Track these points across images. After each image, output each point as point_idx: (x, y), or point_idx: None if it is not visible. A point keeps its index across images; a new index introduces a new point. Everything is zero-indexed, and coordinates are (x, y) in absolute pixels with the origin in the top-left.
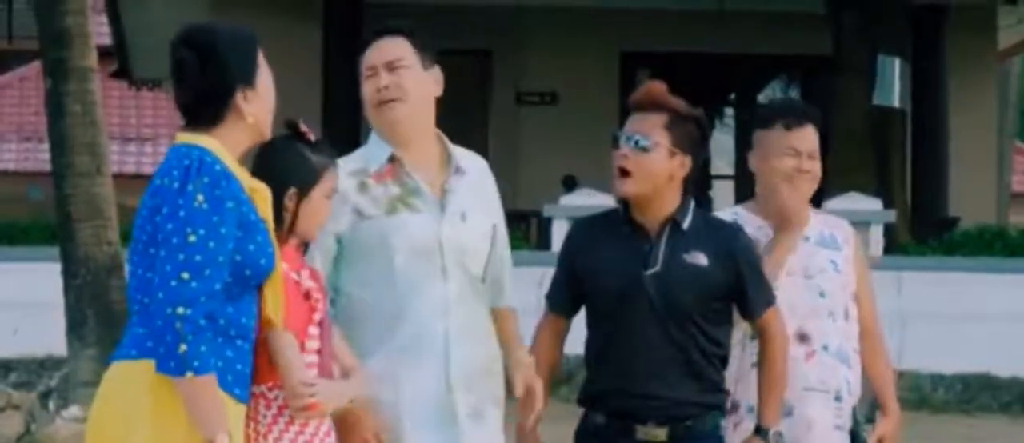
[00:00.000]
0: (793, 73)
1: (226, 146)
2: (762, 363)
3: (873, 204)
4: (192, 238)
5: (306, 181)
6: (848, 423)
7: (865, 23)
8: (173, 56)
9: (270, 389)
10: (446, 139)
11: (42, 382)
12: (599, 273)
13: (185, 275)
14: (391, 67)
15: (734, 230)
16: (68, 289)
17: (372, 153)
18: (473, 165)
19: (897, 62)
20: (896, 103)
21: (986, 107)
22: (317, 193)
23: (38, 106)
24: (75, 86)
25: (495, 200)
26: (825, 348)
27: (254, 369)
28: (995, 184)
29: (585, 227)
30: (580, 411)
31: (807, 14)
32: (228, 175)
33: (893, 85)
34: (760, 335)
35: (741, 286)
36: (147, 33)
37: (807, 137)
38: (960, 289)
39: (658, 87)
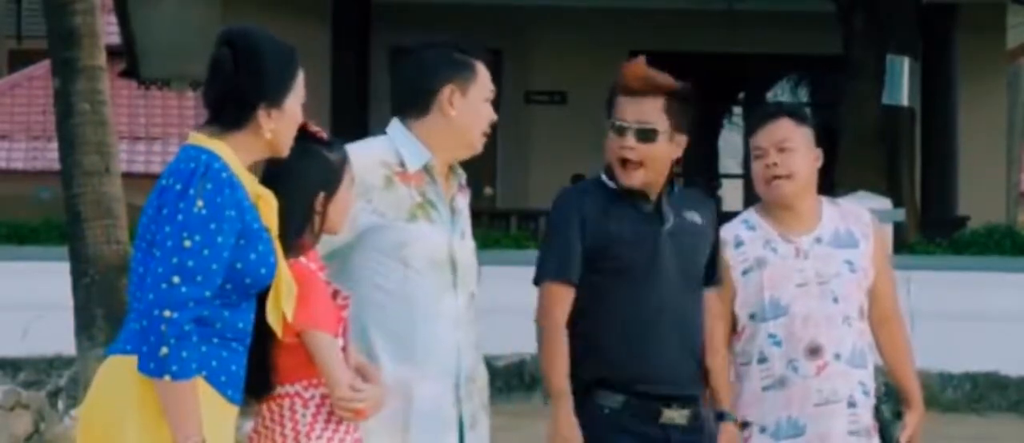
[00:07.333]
0: (802, 72)
1: (237, 152)
2: (710, 346)
3: (882, 203)
4: (187, 243)
5: (333, 182)
6: (869, 425)
7: (875, 22)
8: (214, 50)
9: (305, 388)
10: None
11: (51, 381)
12: (619, 234)
13: (176, 279)
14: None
15: (706, 196)
16: (77, 288)
17: (406, 150)
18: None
19: (906, 61)
20: (905, 102)
21: (995, 106)
22: (342, 190)
23: (47, 105)
24: (84, 85)
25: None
26: (837, 356)
27: (282, 369)
28: (1004, 183)
29: (583, 194)
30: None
31: (817, 13)
32: (234, 183)
33: (902, 84)
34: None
35: (712, 253)
36: (156, 33)
37: (771, 131)
38: (969, 288)
39: (646, 69)
